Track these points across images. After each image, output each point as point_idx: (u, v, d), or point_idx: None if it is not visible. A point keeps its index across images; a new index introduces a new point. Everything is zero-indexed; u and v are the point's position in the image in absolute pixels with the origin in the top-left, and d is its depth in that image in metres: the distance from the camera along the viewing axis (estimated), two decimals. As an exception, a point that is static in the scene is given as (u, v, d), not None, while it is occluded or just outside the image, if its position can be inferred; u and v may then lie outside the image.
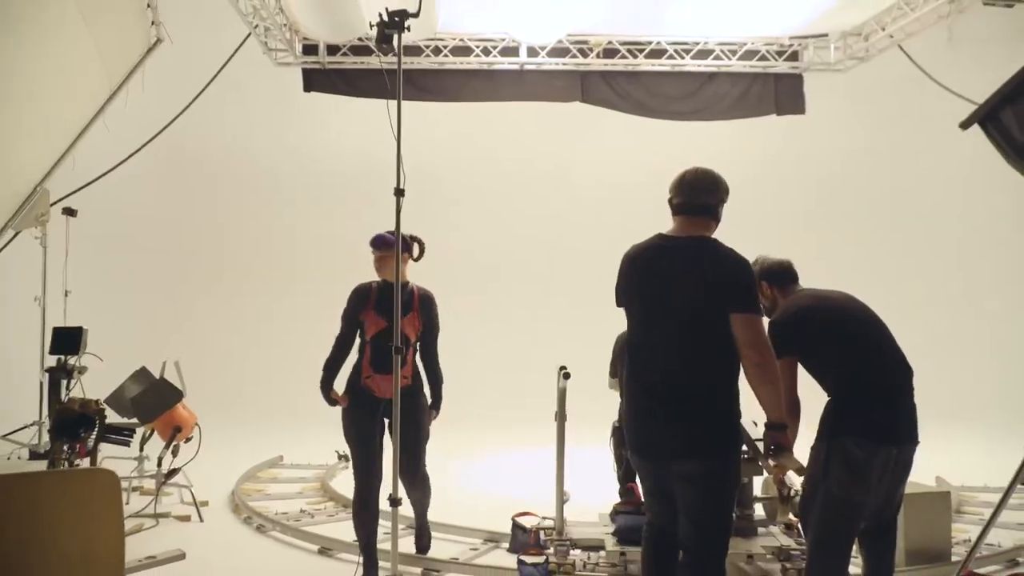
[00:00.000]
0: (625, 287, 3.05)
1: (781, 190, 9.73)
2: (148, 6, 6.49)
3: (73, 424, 3.68)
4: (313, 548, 4.66)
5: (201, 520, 5.18)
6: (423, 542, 4.42)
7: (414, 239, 4.10)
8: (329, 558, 4.53)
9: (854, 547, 3.17)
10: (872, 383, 3.11)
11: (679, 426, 2.84)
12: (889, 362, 3.17)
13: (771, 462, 2.97)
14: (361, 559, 3.96)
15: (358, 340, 4.10)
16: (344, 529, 4.95)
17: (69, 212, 7.13)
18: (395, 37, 3.35)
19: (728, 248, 2.93)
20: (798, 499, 3.27)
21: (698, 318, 2.84)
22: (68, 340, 4.64)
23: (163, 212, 9.65)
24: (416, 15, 3.34)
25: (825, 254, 9.08)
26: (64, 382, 4.52)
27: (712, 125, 8.17)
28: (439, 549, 4.53)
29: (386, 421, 3.97)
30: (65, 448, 3.74)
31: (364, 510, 4.00)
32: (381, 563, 3.95)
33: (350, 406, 4.04)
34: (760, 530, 4.25)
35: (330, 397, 4.06)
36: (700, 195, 2.98)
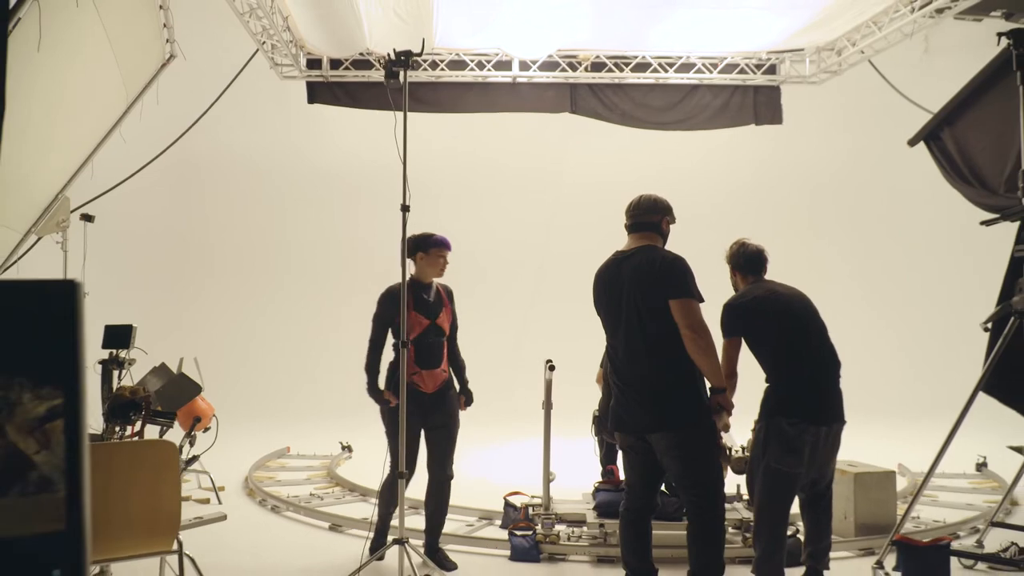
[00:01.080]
0: (595, 299, 3.76)
1: (760, 193, 10.34)
2: (164, 26, 7.05)
3: (124, 408, 4.29)
4: (324, 525, 5.26)
5: (220, 502, 5.77)
6: (448, 562, 4.43)
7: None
8: (340, 533, 5.12)
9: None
10: (804, 372, 3.73)
11: (649, 406, 3.51)
12: (820, 354, 3.79)
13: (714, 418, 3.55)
14: (371, 535, 4.46)
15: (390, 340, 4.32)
16: (352, 508, 5.56)
17: (87, 218, 7.67)
18: (401, 73, 3.92)
19: (664, 250, 3.61)
20: (736, 456, 3.93)
21: (647, 312, 3.48)
22: (119, 336, 5.29)
23: (175, 218, 10.25)
24: (419, 54, 3.93)
25: (805, 253, 9.70)
26: (116, 373, 5.14)
27: (694, 134, 8.77)
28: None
29: (425, 414, 4.29)
30: (117, 429, 4.35)
31: (390, 493, 4.34)
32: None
33: (398, 403, 4.22)
34: (725, 505, 4.84)
35: (383, 398, 4.29)
36: (643, 215, 3.69)
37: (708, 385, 3.55)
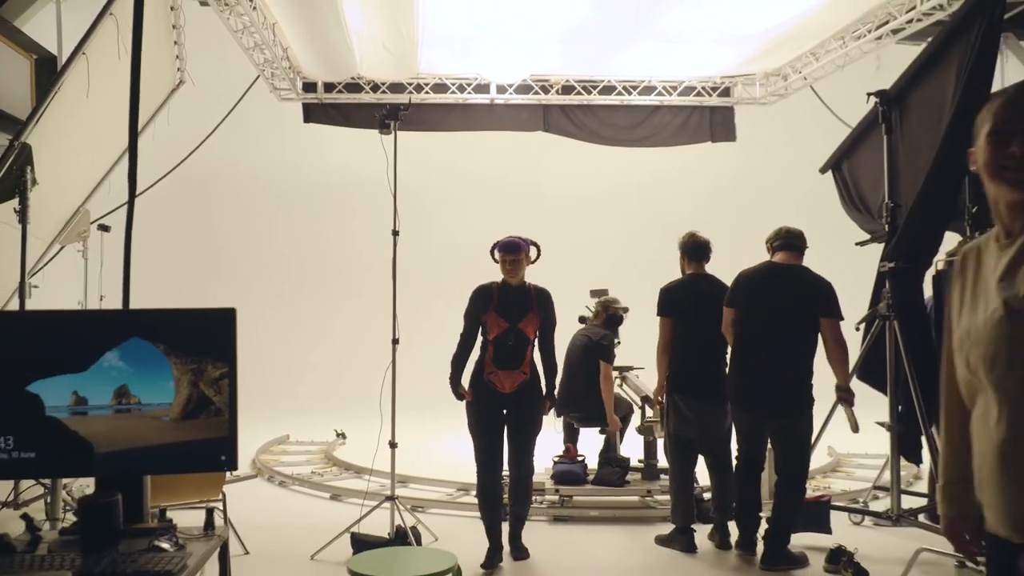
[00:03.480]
0: (742, 295, 4.71)
1: (719, 203, 11.55)
2: (177, 57, 8.19)
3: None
4: (326, 495, 6.44)
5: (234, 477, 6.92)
6: (519, 552, 4.80)
7: (532, 243, 4.79)
8: (340, 502, 6.29)
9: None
10: (690, 355, 4.95)
11: (777, 392, 4.56)
12: (704, 339, 4.98)
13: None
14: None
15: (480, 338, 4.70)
16: (349, 483, 6.72)
17: (104, 228, 8.79)
18: (392, 124, 5.08)
19: (816, 273, 4.70)
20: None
21: (795, 318, 4.55)
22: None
23: (183, 228, 11.46)
24: (407, 109, 5.09)
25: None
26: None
27: (659, 150, 9.96)
28: (425, 494, 6.29)
29: (505, 412, 4.67)
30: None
31: (489, 498, 4.71)
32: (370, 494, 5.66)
33: (475, 400, 4.64)
34: (662, 476, 6.04)
35: (459, 392, 4.64)
36: (794, 239, 4.78)
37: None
